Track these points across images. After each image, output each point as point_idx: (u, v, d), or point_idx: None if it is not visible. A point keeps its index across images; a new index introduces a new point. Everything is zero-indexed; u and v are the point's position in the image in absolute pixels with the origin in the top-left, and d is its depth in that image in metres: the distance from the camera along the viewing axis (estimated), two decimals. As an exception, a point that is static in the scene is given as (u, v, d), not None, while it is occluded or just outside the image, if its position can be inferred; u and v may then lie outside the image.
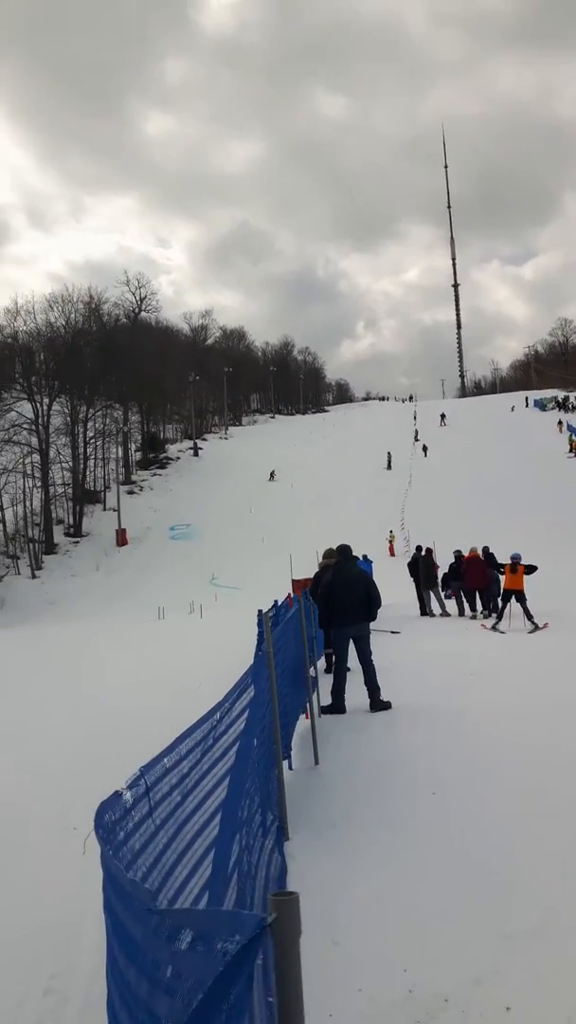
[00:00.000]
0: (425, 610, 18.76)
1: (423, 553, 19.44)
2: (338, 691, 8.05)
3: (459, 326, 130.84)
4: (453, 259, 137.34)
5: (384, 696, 7.97)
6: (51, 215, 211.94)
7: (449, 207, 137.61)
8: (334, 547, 9.42)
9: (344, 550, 8.80)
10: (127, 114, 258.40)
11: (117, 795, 1.97)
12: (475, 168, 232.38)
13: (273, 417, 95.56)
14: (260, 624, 4.93)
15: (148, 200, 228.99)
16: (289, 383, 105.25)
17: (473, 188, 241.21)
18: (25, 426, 53.53)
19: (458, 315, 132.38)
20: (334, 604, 8.25)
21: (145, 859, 2.01)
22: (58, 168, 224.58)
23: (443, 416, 67.85)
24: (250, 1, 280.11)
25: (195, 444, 69.11)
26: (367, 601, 8.23)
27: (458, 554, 18.76)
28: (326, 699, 8.10)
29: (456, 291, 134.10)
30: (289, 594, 14.89)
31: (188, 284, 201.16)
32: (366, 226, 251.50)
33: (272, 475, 55.36)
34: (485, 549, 18.46)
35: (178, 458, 67.15)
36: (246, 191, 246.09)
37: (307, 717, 6.76)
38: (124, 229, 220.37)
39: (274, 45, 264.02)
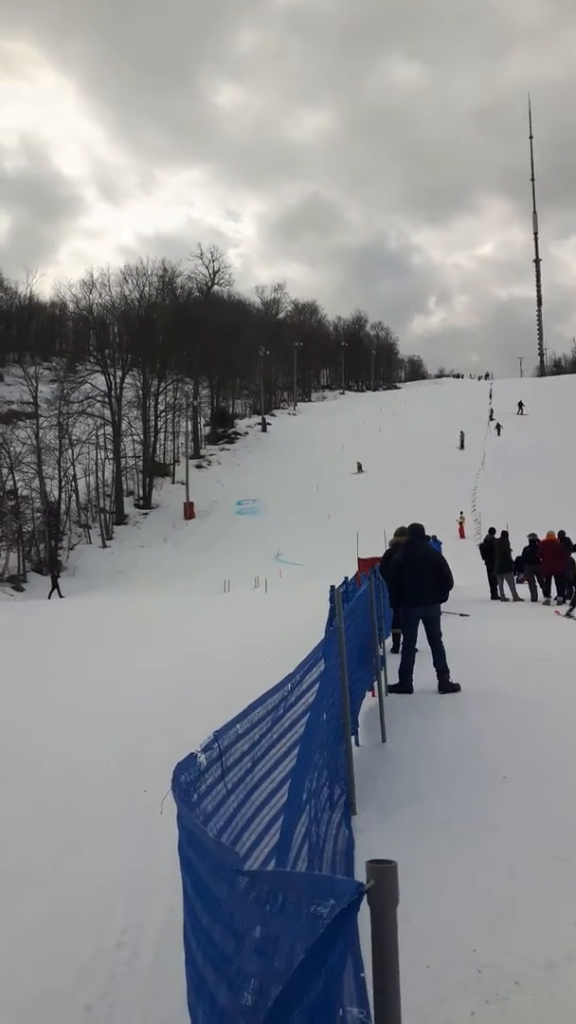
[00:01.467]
0: (496, 594, 18.44)
1: (498, 536, 19.04)
2: (406, 671, 7.98)
3: (539, 303, 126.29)
4: (535, 233, 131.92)
5: (452, 678, 7.87)
6: (122, 188, 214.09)
7: (533, 179, 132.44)
8: (405, 526, 9.30)
9: (416, 529, 8.68)
10: (198, 86, 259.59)
11: (192, 757, 1.98)
12: (555, 139, 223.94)
13: (343, 393, 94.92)
14: (332, 599, 4.91)
15: (217, 172, 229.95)
16: (360, 359, 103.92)
17: (552, 160, 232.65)
18: (99, 398, 54.70)
19: (539, 291, 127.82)
20: (405, 583, 8.16)
21: (216, 822, 2.01)
22: (129, 141, 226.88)
23: (521, 405, 60.77)
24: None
25: (264, 419, 69.30)
26: (439, 582, 8.10)
27: (532, 537, 18.30)
28: (393, 678, 8.04)
29: (537, 266, 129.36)
30: (358, 572, 14.81)
31: (256, 257, 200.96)
32: (439, 198, 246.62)
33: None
34: (562, 533, 17.97)
35: (246, 433, 67.51)
36: (316, 163, 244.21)
37: (374, 695, 6.73)
38: (193, 202, 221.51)
39: (347, 12, 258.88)
